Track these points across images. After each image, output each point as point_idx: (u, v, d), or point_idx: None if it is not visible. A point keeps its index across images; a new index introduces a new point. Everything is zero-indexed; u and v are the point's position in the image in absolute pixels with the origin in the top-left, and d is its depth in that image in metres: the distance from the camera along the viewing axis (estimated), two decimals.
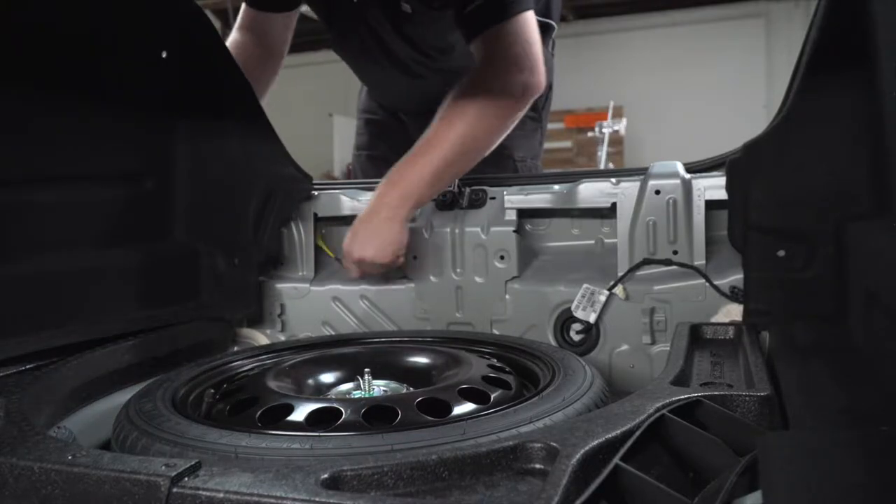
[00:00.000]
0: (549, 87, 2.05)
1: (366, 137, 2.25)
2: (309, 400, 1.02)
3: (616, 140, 8.19)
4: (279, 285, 1.63)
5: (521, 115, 1.54)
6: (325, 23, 1.90)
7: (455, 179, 1.52)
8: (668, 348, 1.15)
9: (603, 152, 6.46)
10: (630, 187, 1.39)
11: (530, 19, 1.49)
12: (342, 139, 10.45)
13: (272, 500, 0.62)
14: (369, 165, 2.20)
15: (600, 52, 9.67)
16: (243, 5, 1.81)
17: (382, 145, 2.18)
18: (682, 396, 0.85)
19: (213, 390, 1.12)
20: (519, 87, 1.49)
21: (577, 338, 1.43)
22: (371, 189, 1.64)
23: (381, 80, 2.02)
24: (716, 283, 1.32)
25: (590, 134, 7.41)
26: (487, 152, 1.52)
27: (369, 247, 1.46)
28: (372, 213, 1.47)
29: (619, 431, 0.74)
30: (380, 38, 1.78)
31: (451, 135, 1.45)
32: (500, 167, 1.98)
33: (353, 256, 1.48)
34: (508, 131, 1.55)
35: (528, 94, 1.51)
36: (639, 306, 1.38)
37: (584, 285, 1.40)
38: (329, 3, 1.81)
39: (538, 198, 1.47)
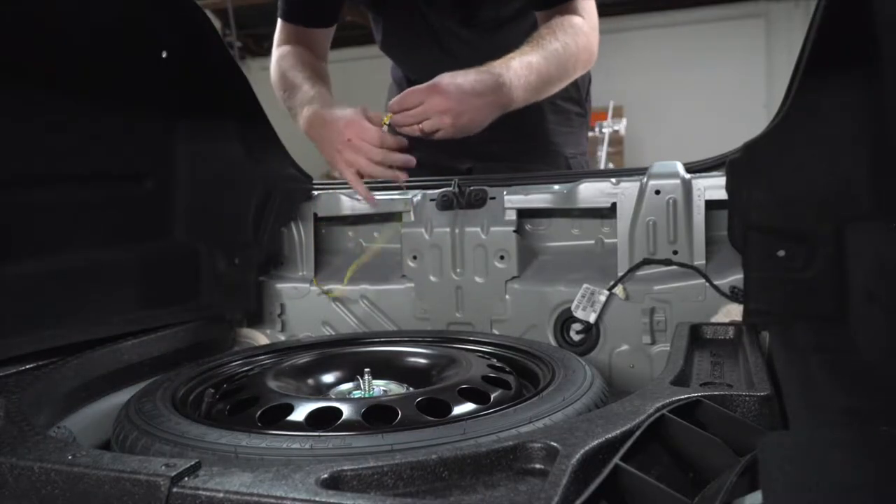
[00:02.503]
0: (589, 80, 2.11)
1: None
2: (309, 400, 1.02)
3: (616, 140, 8.18)
4: (279, 285, 1.63)
5: (583, 69, 1.69)
6: (376, 20, 1.91)
7: (545, 95, 1.61)
8: (668, 348, 1.15)
9: (603, 152, 6.46)
10: (630, 187, 1.39)
11: (593, 6, 1.69)
12: None
13: (272, 500, 0.62)
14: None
15: (600, 52, 9.65)
16: (281, 23, 1.80)
17: (415, 148, 2.15)
18: (682, 396, 0.85)
19: (213, 390, 1.12)
20: (584, 38, 1.62)
21: (577, 338, 1.43)
22: (371, 189, 1.64)
23: (436, 72, 2.00)
24: (716, 283, 1.32)
25: (590, 134, 7.40)
26: (567, 82, 1.65)
27: (465, 110, 1.41)
28: (485, 75, 1.45)
29: (619, 431, 0.74)
30: (439, 30, 1.81)
31: (552, 45, 1.56)
32: (553, 164, 1.99)
33: (444, 81, 1.40)
34: (575, 77, 1.67)
35: (592, 52, 1.67)
36: (639, 306, 1.38)
37: (584, 285, 1.40)
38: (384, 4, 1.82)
39: (538, 198, 1.47)
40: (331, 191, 1.65)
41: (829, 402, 0.84)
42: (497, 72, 1.46)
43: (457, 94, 1.39)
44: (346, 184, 1.59)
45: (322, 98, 1.59)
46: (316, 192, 1.64)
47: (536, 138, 1.97)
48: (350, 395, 1.17)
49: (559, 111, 2.01)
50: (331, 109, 1.52)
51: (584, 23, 1.66)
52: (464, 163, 2.06)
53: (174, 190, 1.53)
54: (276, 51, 1.77)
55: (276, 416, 0.96)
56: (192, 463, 0.68)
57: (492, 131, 2.00)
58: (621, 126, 6.89)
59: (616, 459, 0.69)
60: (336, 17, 1.79)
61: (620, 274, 1.39)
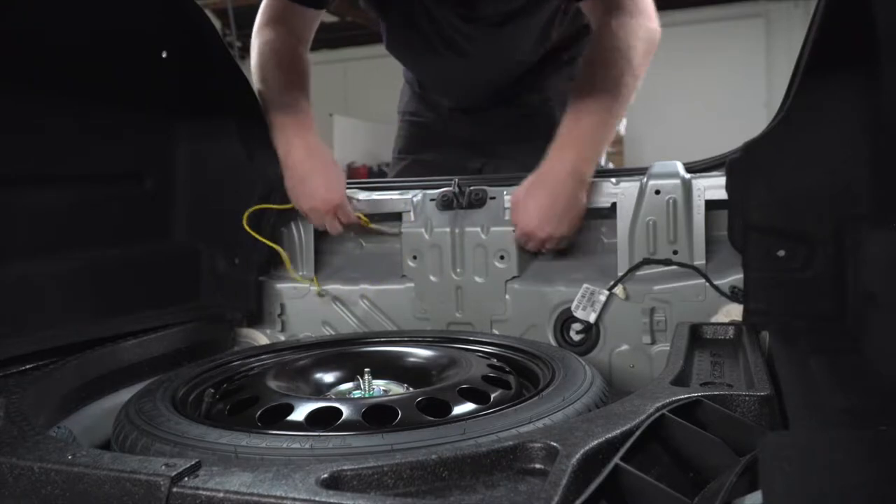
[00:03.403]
0: None
1: (409, 141, 2.17)
2: (309, 400, 1.02)
3: (616, 140, 8.19)
4: (279, 285, 1.63)
5: (647, 63, 1.52)
6: (382, 20, 1.87)
7: (614, 130, 1.52)
8: (668, 348, 1.15)
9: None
10: (630, 187, 1.39)
11: None
12: (342, 139, 10.46)
13: (272, 500, 0.62)
14: (414, 169, 2.09)
15: None
16: (268, 7, 1.69)
17: (428, 149, 2.11)
18: (682, 396, 0.85)
19: (213, 390, 1.12)
20: (643, 30, 1.48)
21: (577, 338, 1.43)
22: (371, 189, 1.64)
23: (443, 72, 1.95)
24: (716, 283, 1.32)
25: None
26: (633, 99, 1.51)
27: (562, 222, 1.38)
28: (550, 180, 1.39)
29: (619, 431, 0.74)
30: (444, 28, 1.76)
31: (606, 84, 1.43)
32: None
33: (540, 236, 1.39)
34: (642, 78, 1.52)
35: (654, 39, 1.51)
36: (639, 306, 1.38)
37: (584, 285, 1.40)
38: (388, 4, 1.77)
39: None
40: None
41: (829, 402, 0.84)
42: (559, 171, 1.39)
43: (542, 223, 1.39)
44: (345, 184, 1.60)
45: (301, 122, 1.55)
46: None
47: (548, 138, 1.97)
48: (350, 395, 1.17)
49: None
50: (319, 169, 1.52)
51: (636, 10, 1.50)
52: (475, 161, 2.06)
53: (174, 190, 1.53)
54: (261, 30, 1.67)
55: (276, 416, 0.96)
56: (192, 463, 0.68)
57: (505, 130, 1.99)
58: (621, 126, 6.89)
59: (616, 459, 0.69)
60: (324, 2, 1.74)
61: (620, 274, 1.39)
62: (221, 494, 0.64)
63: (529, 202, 1.40)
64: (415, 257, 1.55)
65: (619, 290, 1.39)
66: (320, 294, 1.60)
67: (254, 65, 1.64)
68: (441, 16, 1.74)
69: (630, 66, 1.45)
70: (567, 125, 1.43)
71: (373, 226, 1.58)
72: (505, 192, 1.49)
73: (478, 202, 1.51)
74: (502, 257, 1.48)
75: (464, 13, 1.72)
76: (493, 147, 2.02)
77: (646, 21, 1.49)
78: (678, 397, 0.84)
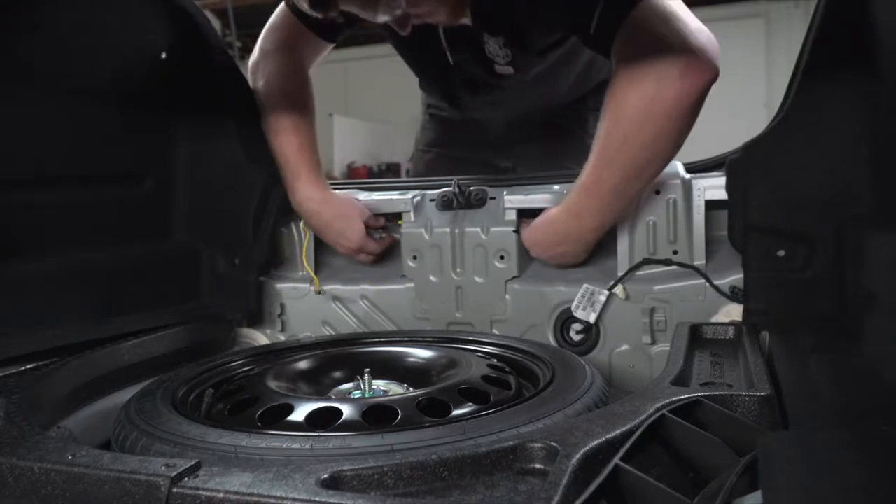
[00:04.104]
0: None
1: (433, 133, 2.14)
2: (309, 400, 1.02)
3: None
4: (279, 285, 1.63)
5: (694, 102, 1.21)
6: (411, 63, 1.84)
7: (643, 180, 1.30)
8: (668, 348, 1.15)
9: None
10: None
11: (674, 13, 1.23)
12: (342, 139, 10.46)
13: (272, 500, 0.62)
14: (441, 163, 2.07)
15: None
16: (281, 22, 1.65)
17: (454, 143, 2.08)
18: (682, 396, 0.85)
19: (213, 390, 1.12)
20: (676, 72, 1.18)
21: (577, 338, 1.43)
22: (371, 189, 1.65)
23: (476, 111, 1.93)
24: (716, 283, 1.32)
25: None
26: (675, 152, 1.28)
27: (559, 261, 1.44)
28: (567, 236, 1.39)
29: (619, 431, 0.74)
30: (473, 80, 1.73)
31: (620, 155, 1.26)
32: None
33: (536, 250, 1.45)
34: (692, 124, 1.25)
35: (692, 75, 1.19)
36: (639, 306, 1.38)
37: (584, 285, 1.40)
38: (417, 50, 1.70)
39: (538, 198, 1.47)
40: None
41: (829, 402, 0.84)
42: (564, 221, 1.37)
43: (544, 251, 1.44)
44: (345, 184, 1.61)
45: (310, 166, 1.56)
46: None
47: (581, 143, 1.94)
48: (350, 395, 1.17)
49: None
50: (331, 222, 1.55)
51: (658, 70, 1.21)
52: (505, 161, 2.05)
53: (174, 190, 1.53)
54: (271, 54, 1.62)
55: (276, 417, 0.96)
56: (192, 463, 0.68)
57: (539, 132, 1.98)
58: None
59: (616, 459, 0.69)
60: (335, 37, 1.72)
61: (620, 274, 1.39)
62: (221, 495, 0.64)
63: (535, 232, 1.43)
64: (415, 257, 1.55)
65: (619, 290, 1.39)
66: (318, 292, 1.60)
67: (258, 90, 1.60)
68: (466, 68, 1.70)
69: (634, 139, 1.24)
70: (577, 192, 1.34)
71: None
72: (505, 193, 1.49)
73: (478, 202, 1.51)
74: (502, 257, 1.48)
75: (485, 71, 1.68)
76: (525, 148, 2.01)
77: (682, 54, 1.19)
78: (678, 397, 0.84)
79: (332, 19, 1.43)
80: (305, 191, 1.54)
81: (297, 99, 1.59)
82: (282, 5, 1.65)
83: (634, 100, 1.23)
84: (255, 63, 1.63)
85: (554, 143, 1.94)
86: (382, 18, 1.31)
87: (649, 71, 1.21)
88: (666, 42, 1.20)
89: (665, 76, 1.20)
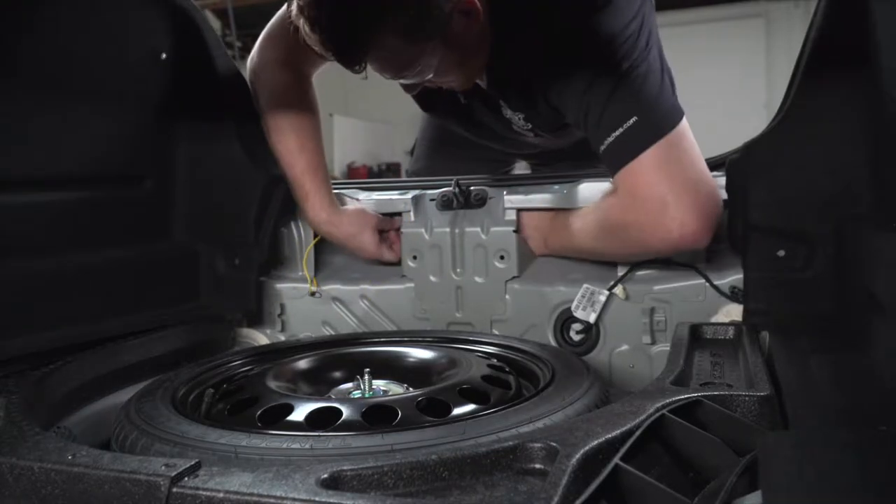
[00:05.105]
0: None
1: (436, 129, 2.09)
2: (309, 400, 1.02)
3: None
4: (279, 285, 1.63)
5: (673, 251, 1.29)
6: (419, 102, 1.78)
7: (596, 254, 1.43)
8: (668, 348, 1.15)
9: None
10: None
11: (683, 134, 1.23)
12: (342, 139, 10.45)
13: (272, 500, 0.62)
14: (448, 159, 2.04)
15: None
16: (280, 33, 1.55)
17: (461, 142, 1.99)
18: (682, 396, 0.85)
19: (213, 390, 1.12)
20: (671, 226, 1.20)
21: (577, 338, 1.43)
22: (371, 189, 1.64)
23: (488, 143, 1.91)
24: (716, 283, 1.32)
25: None
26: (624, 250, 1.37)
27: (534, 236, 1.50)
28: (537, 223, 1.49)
29: (619, 431, 0.74)
30: (489, 126, 1.69)
31: (589, 238, 1.37)
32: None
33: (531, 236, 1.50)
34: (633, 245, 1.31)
35: (684, 237, 1.20)
36: (639, 306, 1.37)
37: (584, 285, 1.40)
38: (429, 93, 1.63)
39: (538, 198, 1.47)
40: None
41: (829, 402, 0.84)
42: (538, 227, 1.49)
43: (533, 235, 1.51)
44: (345, 184, 1.61)
45: (319, 182, 1.56)
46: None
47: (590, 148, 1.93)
48: (350, 395, 1.17)
49: None
50: (345, 236, 1.56)
51: (631, 201, 1.25)
52: (513, 158, 2.05)
53: (174, 191, 1.53)
54: (272, 66, 1.57)
55: (276, 417, 0.96)
56: (192, 463, 0.68)
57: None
58: None
59: (616, 459, 0.69)
60: None
61: (620, 274, 1.39)
62: (221, 494, 0.64)
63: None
64: (415, 257, 1.55)
65: (618, 290, 1.39)
66: (312, 293, 1.60)
67: (260, 104, 1.57)
68: (490, 123, 1.65)
69: (604, 245, 1.36)
70: (553, 227, 1.47)
71: None
72: (505, 193, 1.49)
73: (478, 202, 1.51)
74: (502, 257, 1.48)
75: (504, 132, 1.65)
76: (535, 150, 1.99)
77: (679, 215, 1.19)
78: (678, 397, 0.84)
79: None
80: (314, 214, 1.55)
81: (303, 116, 1.57)
82: (280, 14, 1.57)
83: (624, 231, 1.29)
84: (255, 72, 1.59)
85: (576, 143, 1.93)
86: (402, 83, 1.34)
87: (645, 211, 1.23)
88: (672, 189, 1.20)
89: (659, 225, 1.21)
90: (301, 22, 1.19)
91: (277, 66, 1.56)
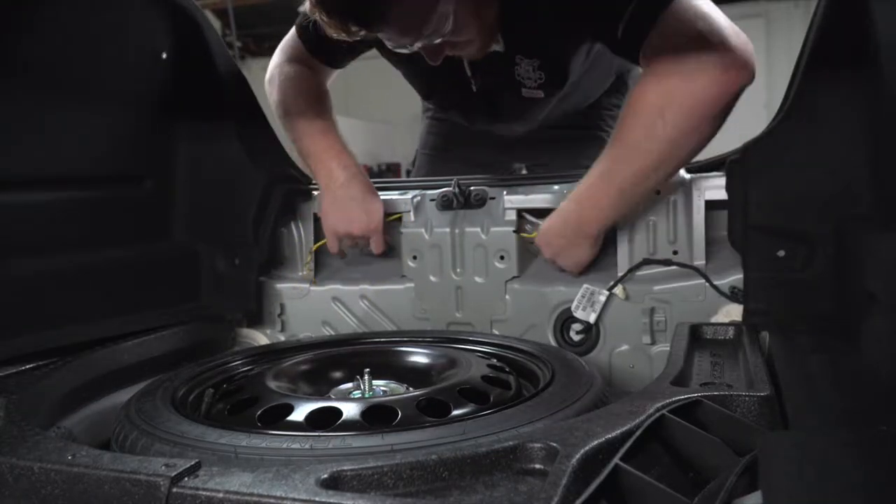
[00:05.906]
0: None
1: (438, 137, 2.12)
2: (308, 400, 1.02)
3: None
4: (279, 285, 1.63)
5: (728, 104, 1.22)
6: (421, 86, 1.80)
7: (654, 182, 1.30)
8: (668, 348, 1.15)
9: None
10: None
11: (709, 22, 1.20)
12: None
13: (272, 500, 0.62)
14: (451, 165, 2.03)
15: None
16: (293, 37, 1.67)
17: (462, 146, 2.05)
18: (682, 396, 0.85)
19: (213, 390, 1.12)
20: (715, 69, 1.17)
21: (577, 338, 1.43)
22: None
23: (487, 125, 1.90)
24: (716, 283, 1.32)
25: None
26: (690, 157, 1.28)
27: (561, 257, 1.42)
28: (566, 226, 1.38)
29: (619, 431, 0.74)
30: (497, 104, 1.69)
31: (636, 152, 1.25)
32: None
33: (545, 251, 1.43)
34: (718, 127, 1.24)
35: (733, 73, 1.18)
36: (639, 306, 1.37)
37: (584, 285, 1.40)
38: (433, 76, 1.63)
39: (538, 198, 1.47)
40: None
41: (829, 402, 0.84)
42: (567, 210, 1.38)
43: (545, 243, 1.42)
44: None
45: (338, 149, 1.59)
46: (315, 192, 1.64)
47: (593, 146, 1.91)
48: (350, 395, 1.17)
49: (616, 116, 1.95)
50: (360, 197, 1.55)
51: (685, 71, 1.20)
52: (518, 162, 2.04)
53: (174, 190, 1.53)
54: (281, 66, 1.66)
55: (276, 417, 0.96)
56: (192, 463, 0.68)
57: (550, 133, 1.97)
58: None
59: (616, 459, 0.69)
60: (341, 65, 1.71)
61: (620, 274, 1.39)
62: (221, 495, 0.64)
63: (548, 232, 1.42)
64: (415, 257, 1.55)
65: (618, 290, 1.39)
66: (312, 282, 1.62)
67: (275, 99, 1.64)
68: (499, 98, 1.66)
69: (653, 134, 1.22)
70: (585, 179, 1.35)
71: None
72: (505, 193, 1.49)
73: (478, 202, 1.51)
74: (502, 257, 1.48)
75: (524, 97, 1.63)
76: (537, 150, 1.99)
77: (722, 53, 1.18)
78: (678, 397, 0.84)
79: (340, 45, 1.45)
80: (334, 165, 1.56)
81: (317, 99, 1.64)
82: (291, 34, 1.68)
83: (665, 96, 1.20)
84: (272, 78, 1.66)
85: (567, 142, 1.93)
86: (418, 46, 1.29)
87: (684, 68, 1.19)
88: (703, 40, 1.17)
89: (702, 73, 1.18)
90: (317, 8, 1.17)
91: (290, 65, 1.65)
